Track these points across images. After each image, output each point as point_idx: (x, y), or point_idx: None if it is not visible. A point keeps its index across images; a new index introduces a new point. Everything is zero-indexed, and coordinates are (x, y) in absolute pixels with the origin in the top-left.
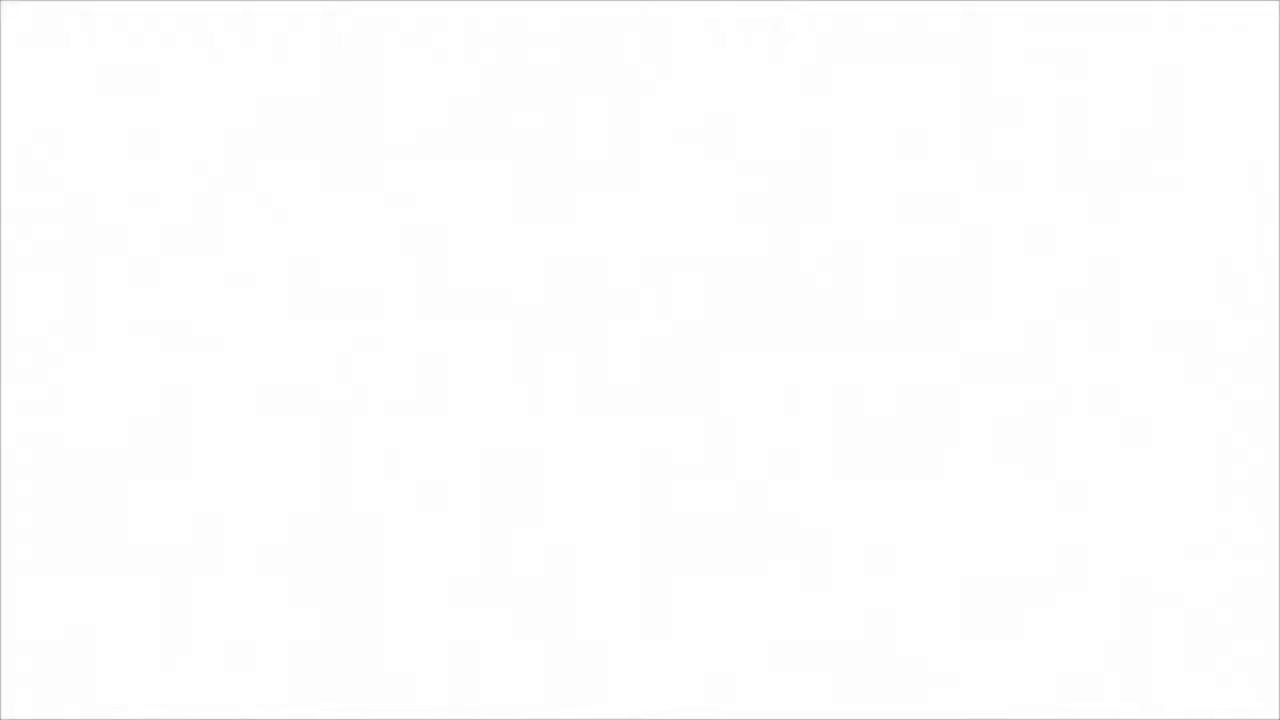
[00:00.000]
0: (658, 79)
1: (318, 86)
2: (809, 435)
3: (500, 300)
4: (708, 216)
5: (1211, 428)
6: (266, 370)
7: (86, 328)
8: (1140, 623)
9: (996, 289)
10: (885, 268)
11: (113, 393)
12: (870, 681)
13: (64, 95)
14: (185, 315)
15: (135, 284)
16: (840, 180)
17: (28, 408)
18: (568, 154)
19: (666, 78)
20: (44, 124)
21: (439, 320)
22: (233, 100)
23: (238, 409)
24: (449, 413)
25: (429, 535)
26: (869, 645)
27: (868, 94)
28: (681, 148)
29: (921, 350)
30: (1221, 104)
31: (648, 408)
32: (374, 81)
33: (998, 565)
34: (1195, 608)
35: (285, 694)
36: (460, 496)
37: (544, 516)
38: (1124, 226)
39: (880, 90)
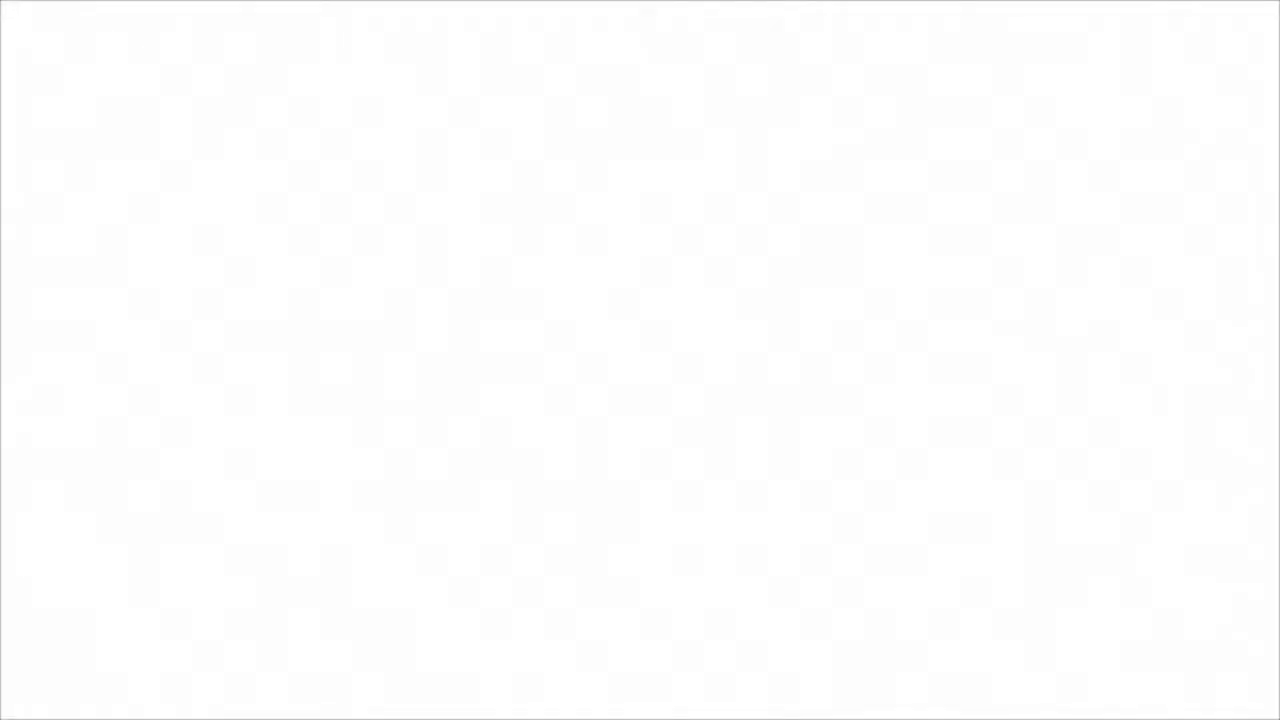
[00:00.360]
0: (657, 79)
1: (318, 86)
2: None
3: (494, 301)
4: (708, 215)
5: (1212, 428)
6: (266, 370)
7: (86, 327)
8: (1141, 623)
9: (993, 288)
10: (886, 266)
11: (112, 392)
12: (869, 681)
13: (64, 95)
14: (185, 314)
15: (134, 283)
16: (840, 180)
17: (28, 408)
18: (568, 154)
19: (667, 77)
20: (44, 124)
21: (438, 320)
22: (232, 100)
23: (238, 408)
24: (449, 413)
25: (428, 535)
26: (867, 646)
27: (867, 93)
28: (682, 148)
29: (918, 349)
30: (1221, 104)
31: (643, 408)
32: (373, 81)
33: (997, 565)
34: (1195, 609)
35: (285, 694)
36: (459, 497)
37: (544, 516)
38: (1123, 226)
39: (880, 89)
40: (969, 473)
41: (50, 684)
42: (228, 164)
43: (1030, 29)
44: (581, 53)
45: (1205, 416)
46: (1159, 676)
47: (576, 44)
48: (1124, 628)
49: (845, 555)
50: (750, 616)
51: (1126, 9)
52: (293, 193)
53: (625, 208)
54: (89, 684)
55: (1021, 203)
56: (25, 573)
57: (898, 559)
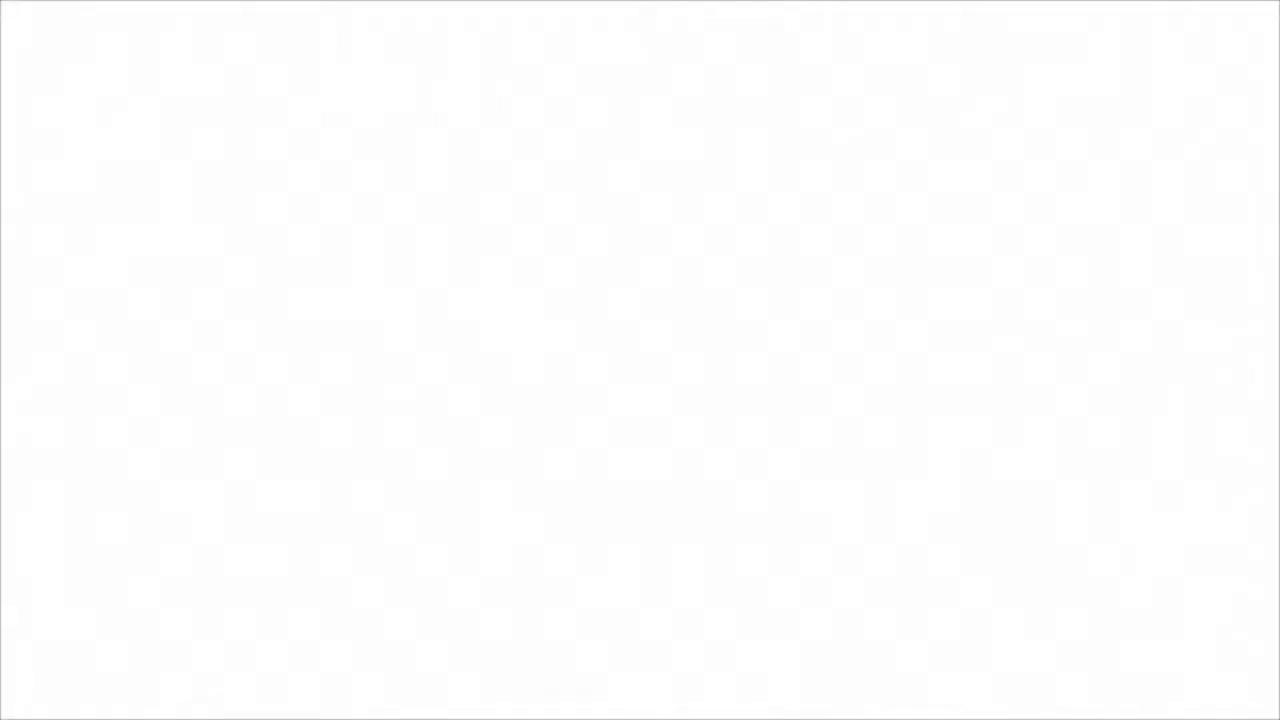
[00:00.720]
0: (658, 79)
1: (319, 86)
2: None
3: (506, 298)
4: (711, 215)
5: (1212, 429)
6: (267, 370)
7: (86, 327)
8: (1141, 622)
9: (997, 287)
10: (888, 263)
11: (113, 392)
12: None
13: (64, 96)
14: (185, 314)
15: (134, 284)
16: (839, 179)
17: (28, 408)
18: (568, 154)
19: (667, 77)
20: (44, 124)
21: (440, 317)
22: (234, 100)
23: (236, 409)
24: (450, 418)
25: (430, 536)
26: (861, 647)
27: (868, 92)
28: (683, 146)
29: (920, 344)
30: (1221, 104)
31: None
32: (373, 81)
33: (996, 564)
34: (1195, 607)
35: (286, 694)
36: (459, 499)
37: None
38: (1123, 225)
39: (879, 87)
40: (969, 474)
41: (50, 684)
42: (228, 164)
43: (1030, 29)
44: (581, 53)
45: (1205, 416)
46: (1159, 675)
47: (576, 44)
48: (1124, 627)
49: (815, 554)
50: (719, 619)
51: (1126, 9)
52: (293, 192)
53: (626, 207)
54: (89, 684)
55: (1021, 202)
56: (25, 573)
57: (894, 559)
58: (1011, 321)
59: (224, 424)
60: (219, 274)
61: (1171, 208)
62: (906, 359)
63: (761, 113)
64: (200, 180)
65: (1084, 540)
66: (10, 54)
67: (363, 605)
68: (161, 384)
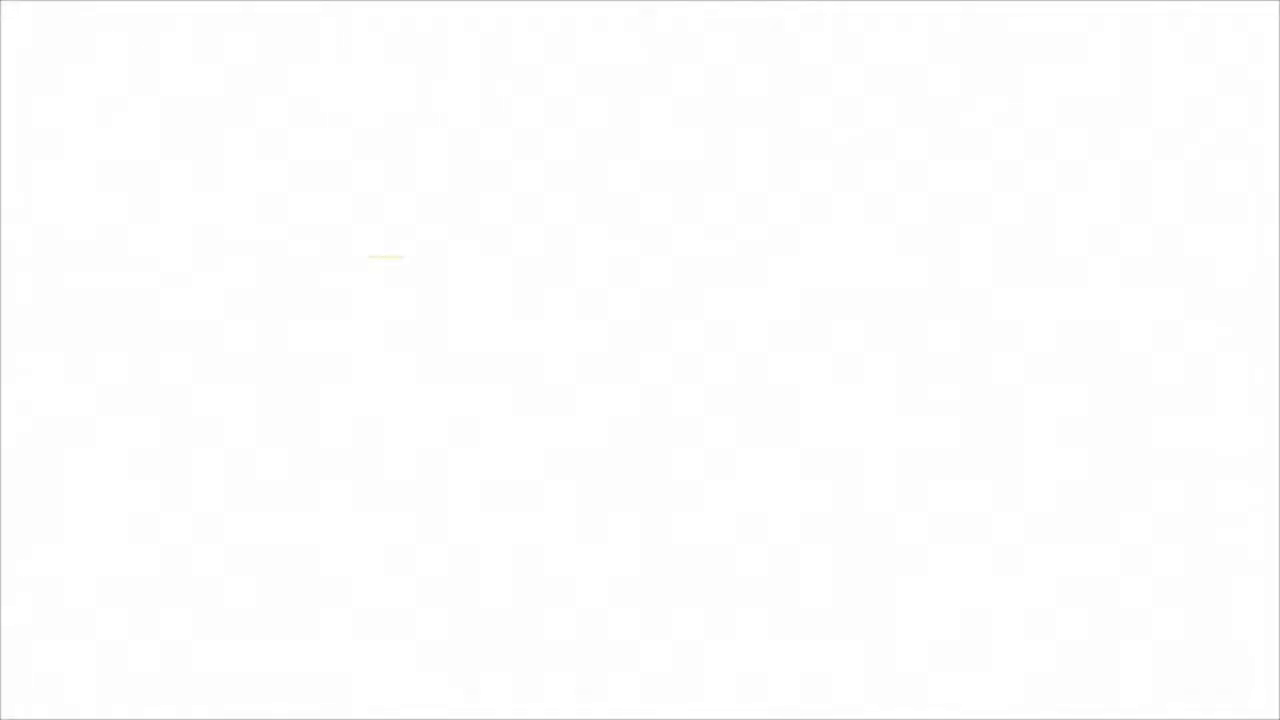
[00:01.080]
0: (657, 79)
1: (320, 84)
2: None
3: (505, 302)
4: (711, 217)
5: (1212, 428)
6: (268, 372)
7: (86, 328)
8: (1140, 623)
9: (997, 294)
10: (887, 262)
11: (113, 392)
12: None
13: (64, 96)
14: (184, 315)
15: (136, 286)
16: (838, 178)
17: (27, 408)
18: (568, 154)
19: (667, 77)
20: (44, 124)
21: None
22: (236, 100)
23: (235, 412)
24: (450, 430)
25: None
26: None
27: (868, 92)
28: (683, 146)
29: (924, 356)
30: (1221, 104)
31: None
32: (373, 82)
33: (995, 563)
34: (1194, 608)
35: (285, 694)
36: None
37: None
38: (1122, 226)
39: (879, 87)
40: (966, 471)
41: (50, 684)
42: (227, 164)
43: (1030, 29)
44: (581, 53)
45: (1205, 416)
46: (1159, 675)
47: (576, 44)
48: (1122, 627)
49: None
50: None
51: (1126, 9)
52: (293, 193)
53: (626, 207)
54: (89, 684)
55: (1021, 202)
56: (25, 573)
57: (893, 558)
58: (1008, 319)
59: (224, 424)
60: (219, 274)
61: (1171, 208)
62: (906, 358)
63: (761, 113)
64: (200, 180)
65: (1083, 540)
66: (10, 54)
67: (361, 605)
68: (161, 384)
